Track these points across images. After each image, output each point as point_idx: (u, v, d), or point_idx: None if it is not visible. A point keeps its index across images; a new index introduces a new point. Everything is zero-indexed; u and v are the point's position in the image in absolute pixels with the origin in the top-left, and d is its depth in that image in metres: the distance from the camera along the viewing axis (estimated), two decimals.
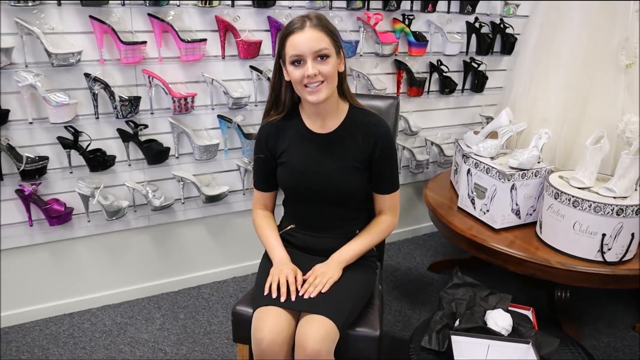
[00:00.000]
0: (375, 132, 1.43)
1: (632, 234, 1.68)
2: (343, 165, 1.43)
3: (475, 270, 2.45)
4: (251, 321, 1.32)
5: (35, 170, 1.85)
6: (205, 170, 2.23)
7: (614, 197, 1.68)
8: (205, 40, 2.00)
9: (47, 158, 1.89)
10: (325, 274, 1.37)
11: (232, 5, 2.05)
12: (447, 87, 2.62)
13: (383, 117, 1.51)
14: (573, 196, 1.69)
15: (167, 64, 2.02)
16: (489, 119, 2.67)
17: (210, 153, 2.13)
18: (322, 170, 1.43)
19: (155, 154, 2.06)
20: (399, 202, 1.54)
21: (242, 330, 1.40)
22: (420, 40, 2.46)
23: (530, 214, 1.94)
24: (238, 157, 2.25)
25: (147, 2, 1.88)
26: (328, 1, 2.21)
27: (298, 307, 1.31)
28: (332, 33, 1.35)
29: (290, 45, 1.32)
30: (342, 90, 1.45)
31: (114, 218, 2.05)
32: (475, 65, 2.67)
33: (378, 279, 1.59)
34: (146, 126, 2.02)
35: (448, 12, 2.52)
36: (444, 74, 2.60)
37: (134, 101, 1.94)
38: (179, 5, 1.96)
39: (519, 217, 1.93)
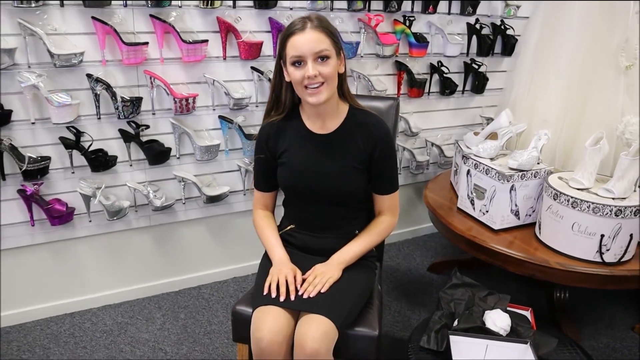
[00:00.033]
0: (375, 133, 1.44)
1: (631, 235, 1.68)
2: (343, 165, 1.44)
3: (475, 271, 2.45)
4: (251, 321, 1.32)
5: (37, 170, 1.86)
6: (206, 171, 2.24)
7: (613, 198, 1.68)
8: (206, 41, 2.01)
9: (49, 158, 1.90)
10: (325, 274, 1.37)
11: (234, 7, 2.06)
12: (447, 88, 2.63)
13: (383, 118, 1.52)
14: (572, 197, 1.69)
15: (169, 65, 2.02)
16: (490, 120, 2.67)
17: (211, 153, 2.14)
18: (322, 171, 1.44)
19: (157, 154, 2.06)
20: (399, 203, 1.55)
21: (242, 329, 1.40)
22: (420, 41, 2.46)
23: (530, 215, 1.95)
24: (239, 158, 2.26)
25: (149, 3, 1.88)
26: (329, 2, 2.22)
27: (297, 307, 1.32)
28: (332, 34, 1.36)
29: (290, 46, 1.33)
30: (342, 91, 1.46)
31: (115, 218, 2.05)
32: (476, 67, 2.67)
33: (377, 279, 1.60)
34: (147, 127, 2.03)
35: (449, 13, 2.53)
36: (445, 75, 2.61)
37: (136, 102, 1.95)
38: (180, 7, 1.97)
39: (518, 218, 1.93)
